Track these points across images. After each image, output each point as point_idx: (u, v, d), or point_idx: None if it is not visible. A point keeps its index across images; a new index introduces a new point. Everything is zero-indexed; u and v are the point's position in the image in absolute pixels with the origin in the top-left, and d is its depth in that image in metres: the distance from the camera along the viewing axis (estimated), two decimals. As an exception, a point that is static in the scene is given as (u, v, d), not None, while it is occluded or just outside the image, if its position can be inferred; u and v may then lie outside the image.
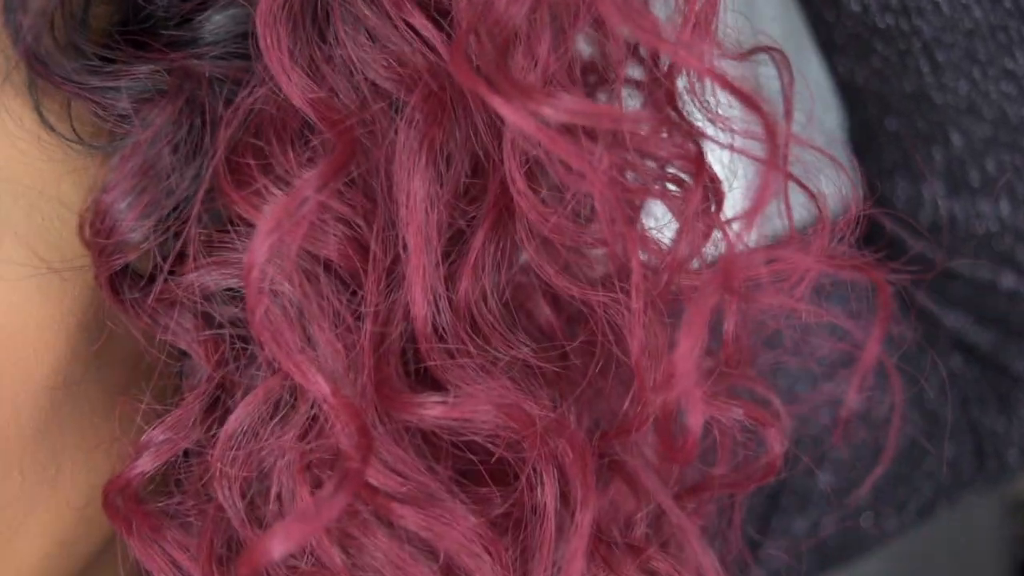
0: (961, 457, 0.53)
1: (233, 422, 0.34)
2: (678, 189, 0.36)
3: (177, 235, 0.34)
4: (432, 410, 0.33)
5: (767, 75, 0.39)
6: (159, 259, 0.34)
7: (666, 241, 0.36)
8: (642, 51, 0.36)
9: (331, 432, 0.32)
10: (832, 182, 0.40)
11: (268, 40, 0.32)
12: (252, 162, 0.32)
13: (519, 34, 0.32)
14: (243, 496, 0.35)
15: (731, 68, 0.34)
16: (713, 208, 0.35)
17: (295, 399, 0.34)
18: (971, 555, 1.23)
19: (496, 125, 0.34)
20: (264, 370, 0.35)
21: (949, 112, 0.48)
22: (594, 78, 0.38)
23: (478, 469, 0.35)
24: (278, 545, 0.30)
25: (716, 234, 0.36)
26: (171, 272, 0.35)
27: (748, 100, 0.30)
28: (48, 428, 0.35)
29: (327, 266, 0.33)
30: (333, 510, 0.30)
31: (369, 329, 0.33)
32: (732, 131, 0.36)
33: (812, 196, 0.38)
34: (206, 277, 0.34)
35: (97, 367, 0.36)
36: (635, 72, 0.37)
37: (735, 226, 0.34)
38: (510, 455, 0.34)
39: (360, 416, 0.32)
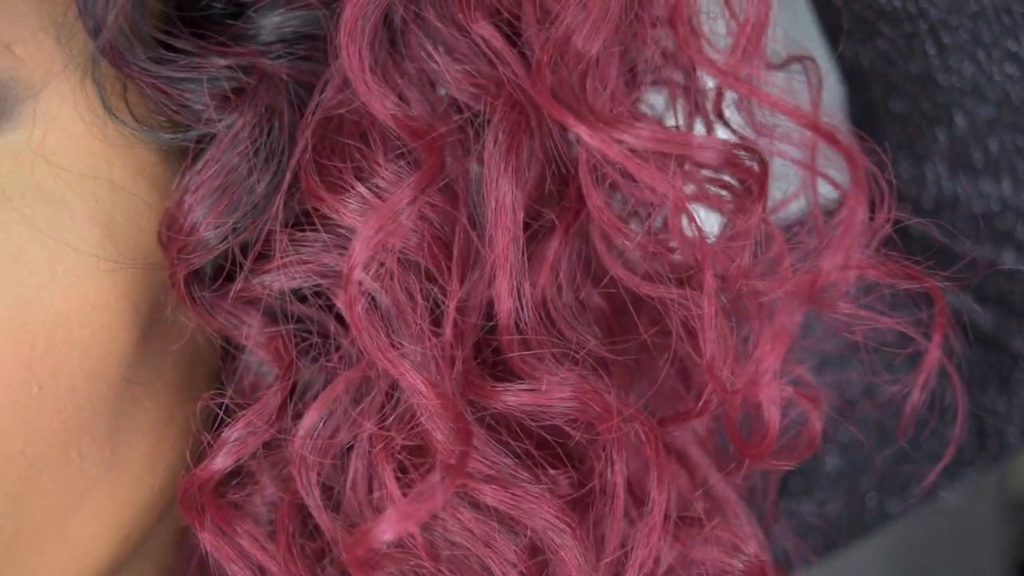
0: (962, 437, 0.54)
1: (314, 413, 0.36)
2: (739, 198, 0.38)
3: (254, 234, 0.35)
4: (518, 397, 0.35)
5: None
6: (239, 257, 0.36)
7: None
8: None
9: (416, 420, 0.34)
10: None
11: (350, 51, 0.34)
12: (340, 164, 0.34)
13: (593, 62, 0.34)
14: (321, 485, 0.36)
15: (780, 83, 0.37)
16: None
17: (375, 389, 0.36)
18: (971, 555, 1.24)
19: (569, 142, 0.36)
20: (341, 363, 0.37)
21: (954, 93, 0.49)
22: (650, 79, 0.40)
23: (544, 454, 0.37)
24: (388, 529, 0.32)
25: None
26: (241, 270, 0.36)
27: (830, 138, 0.33)
28: (105, 411, 0.35)
29: (412, 264, 0.35)
30: (438, 499, 0.32)
31: (452, 324, 0.35)
32: (775, 139, 0.39)
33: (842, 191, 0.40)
34: (287, 275, 0.35)
35: (152, 355, 0.36)
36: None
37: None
38: (584, 439, 0.36)
39: (456, 409, 0.34)
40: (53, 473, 0.34)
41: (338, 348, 0.37)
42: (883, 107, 0.51)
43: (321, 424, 0.36)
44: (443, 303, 0.35)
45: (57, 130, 0.34)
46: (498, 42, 0.35)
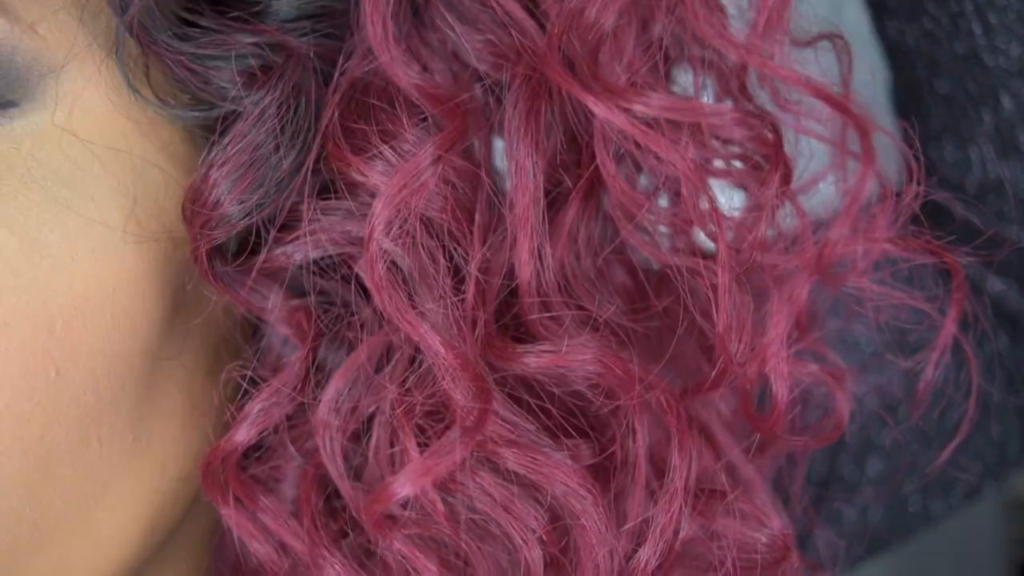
0: (1008, 437, 0.54)
1: (338, 380, 0.36)
2: (756, 172, 0.38)
3: (277, 209, 0.36)
4: (540, 359, 0.36)
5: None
6: (263, 231, 0.36)
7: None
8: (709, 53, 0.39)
9: (436, 384, 0.35)
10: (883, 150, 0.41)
11: (374, 20, 0.34)
12: (365, 127, 0.35)
13: (606, 31, 0.35)
14: (343, 455, 0.37)
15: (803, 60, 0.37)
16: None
17: (396, 355, 0.37)
18: (971, 555, 1.24)
19: (587, 111, 0.36)
20: (364, 332, 0.37)
21: (1000, 75, 0.48)
22: (673, 54, 0.40)
23: (566, 423, 0.37)
24: (407, 484, 0.33)
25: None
26: (263, 244, 0.36)
27: (839, 106, 0.33)
28: (127, 397, 0.35)
29: (432, 227, 0.36)
30: (456, 458, 0.33)
31: (474, 286, 0.35)
32: (799, 116, 0.39)
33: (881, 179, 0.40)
34: (311, 244, 0.36)
35: (175, 338, 0.37)
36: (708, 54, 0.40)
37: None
38: (605, 405, 0.36)
39: (475, 369, 0.34)
40: (73, 461, 0.34)
41: (360, 319, 0.37)
42: (928, 88, 0.50)
43: (345, 391, 0.37)
44: (465, 267, 0.36)
45: (80, 109, 0.34)
46: (517, 12, 0.36)
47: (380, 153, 0.35)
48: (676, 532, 0.35)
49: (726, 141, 0.38)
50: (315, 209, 0.36)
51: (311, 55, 0.35)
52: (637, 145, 0.35)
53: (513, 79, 0.36)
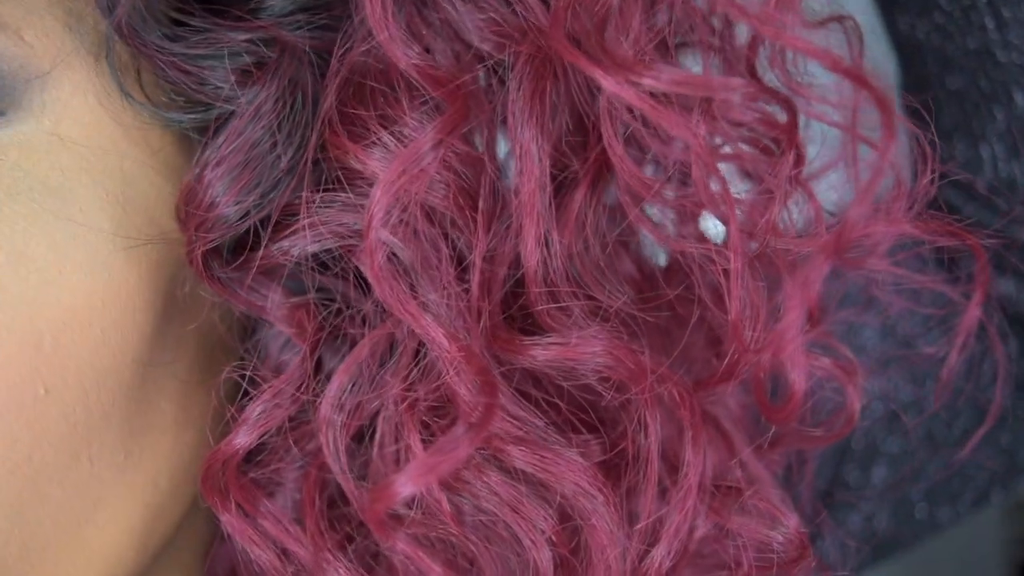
0: (1017, 444, 0.53)
1: (341, 377, 0.36)
2: (767, 156, 0.37)
3: (273, 208, 0.35)
4: (548, 351, 0.35)
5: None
6: (259, 228, 0.35)
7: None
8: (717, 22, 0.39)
9: (440, 378, 0.34)
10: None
11: (372, 5, 0.33)
12: (364, 113, 0.34)
13: (613, 7, 0.34)
14: (347, 452, 0.36)
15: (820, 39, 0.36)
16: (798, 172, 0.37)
17: (399, 350, 0.36)
18: (971, 555, 1.24)
19: (593, 91, 0.36)
20: (366, 327, 0.36)
21: (1013, 70, 0.48)
22: (679, 39, 0.40)
23: (576, 418, 0.36)
24: (410, 482, 0.32)
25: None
26: (259, 242, 0.36)
27: (858, 79, 0.33)
28: (118, 413, 0.35)
29: (434, 215, 0.35)
30: (461, 455, 0.32)
31: (478, 275, 0.35)
32: (811, 99, 0.38)
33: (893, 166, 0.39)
34: (309, 238, 0.35)
35: (167, 347, 0.36)
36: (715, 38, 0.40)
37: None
38: (615, 399, 0.36)
39: (480, 362, 0.33)
40: (63, 480, 0.34)
41: (361, 314, 0.37)
42: (939, 83, 0.50)
43: (348, 387, 0.36)
44: (468, 256, 0.35)
45: (69, 117, 0.33)
46: None
47: (379, 139, 0.34)
48: (691, 531, 0.35)
49: (737, 124, 0.37)
50: (313, 201, 0.35)
51: (307, 48, 0.35)
52: (646, 124, 0.34)
53: (517, 59, 0.35)
